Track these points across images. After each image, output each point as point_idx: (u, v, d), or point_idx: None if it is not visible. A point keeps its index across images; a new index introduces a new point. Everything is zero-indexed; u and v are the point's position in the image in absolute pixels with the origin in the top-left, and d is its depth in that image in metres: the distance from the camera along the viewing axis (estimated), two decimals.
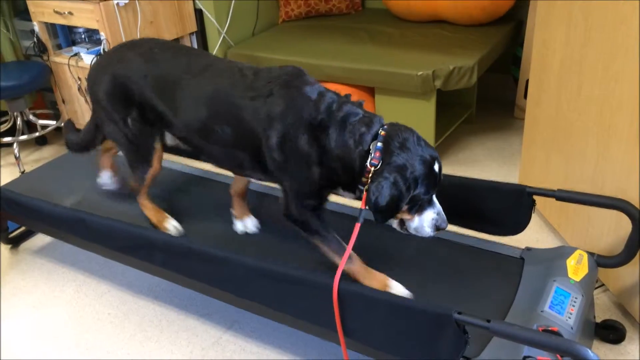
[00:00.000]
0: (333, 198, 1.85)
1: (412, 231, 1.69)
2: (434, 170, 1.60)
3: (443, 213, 1.67)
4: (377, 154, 1.58)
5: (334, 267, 1.62)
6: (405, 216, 1.66)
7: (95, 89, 2.01)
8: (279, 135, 1.68)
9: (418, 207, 1.64)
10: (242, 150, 1.81)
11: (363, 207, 1.60)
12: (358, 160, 1.62)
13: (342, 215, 2.19)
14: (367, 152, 1.61)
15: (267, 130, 1.70)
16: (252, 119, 1.73)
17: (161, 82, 1.89)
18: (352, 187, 1.70)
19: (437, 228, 1.66)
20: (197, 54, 1.99)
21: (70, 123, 2.42)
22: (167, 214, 2.18)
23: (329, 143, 1.65)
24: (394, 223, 1.71)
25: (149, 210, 2.18)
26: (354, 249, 1.65)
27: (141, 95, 1.93)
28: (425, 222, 1.65)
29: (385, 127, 1.63)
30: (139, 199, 2.17)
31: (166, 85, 1.88)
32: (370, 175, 1.59)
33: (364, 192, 1.59)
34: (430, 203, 1.65)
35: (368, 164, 1.60)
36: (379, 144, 1.59)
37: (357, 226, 1.59)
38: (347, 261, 1.69)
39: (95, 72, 2.04)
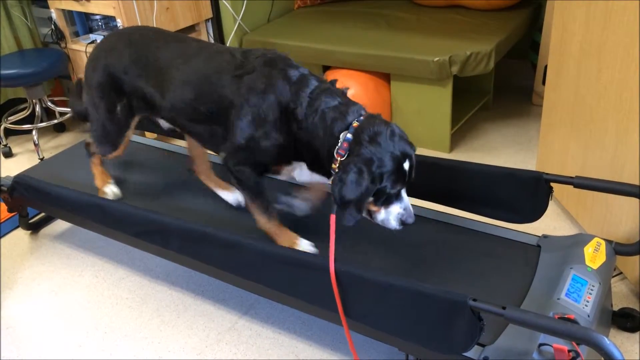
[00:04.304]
0: None
1: (379, 222, 1.68)
2: (402, 166, 1.59)
3: (411, 208, 1.67)
4: (345, 145, 1.59)
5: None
6: (372, 208, 1.66)
7: (90, 77, 2.06)
8: (252, 110, 1.71)
9: (385, 200, 1.63)
10: (222, 127, 1.83)
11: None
12: (326, 148, 1.64)
13: None
14: (337, 140, 1.61)
15: (243, 103, 1.73)
16: (232, 93, 1.76)
17: (151, 68, 1.92)
18: (324, 171, 1.72)
19: (403, 223, 1.66)
20: (189, 39, 2.01)
21: (79, 85, 2.44)
22: (110, 179, 2.34)
23: (298, 128, 1.68)
24: (364, 212, 1.70)
25: (96, 171, 2.34)
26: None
27: (131, 85, 1.97)
28: (391, 215, 1.65)
29: (361, 118, 1.63)
30: (93, 159, 2.33)
31: (156, 71, 1.91)
32: (337, 165, 1.60)
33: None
34: (397, 197, 1.64)
35: (335, 153, 1.61)
36: (349, 135, 1.59)
37: (332, 217, 1.60)
38: (265, 220, 1.86)
39: (90, 61, 2.07)
